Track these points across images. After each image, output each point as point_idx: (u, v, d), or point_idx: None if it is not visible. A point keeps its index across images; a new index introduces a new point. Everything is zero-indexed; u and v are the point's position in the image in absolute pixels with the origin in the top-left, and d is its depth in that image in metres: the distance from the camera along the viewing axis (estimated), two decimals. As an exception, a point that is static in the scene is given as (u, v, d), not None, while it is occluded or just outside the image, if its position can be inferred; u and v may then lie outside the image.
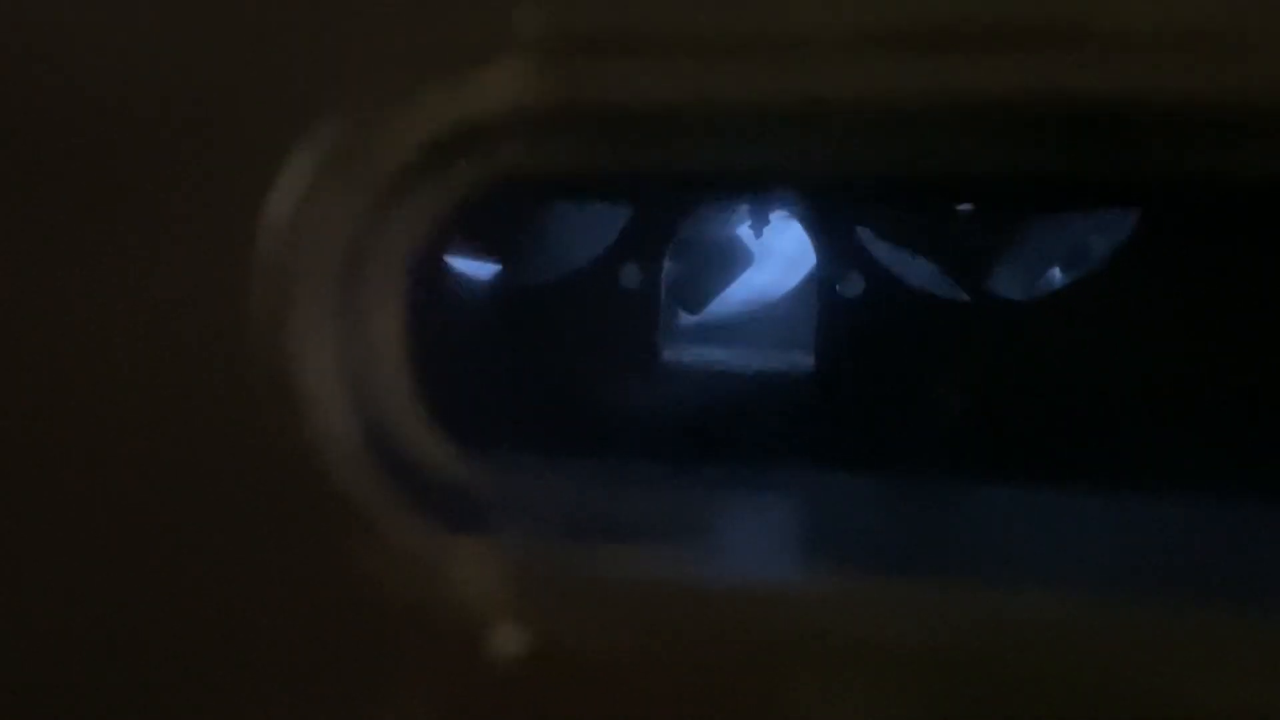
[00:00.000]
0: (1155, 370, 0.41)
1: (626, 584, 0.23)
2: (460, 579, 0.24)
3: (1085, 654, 0.21)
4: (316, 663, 0.25)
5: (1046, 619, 0.22)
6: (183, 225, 0.24)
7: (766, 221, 0.60)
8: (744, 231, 0.62)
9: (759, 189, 0.41)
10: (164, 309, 0.24)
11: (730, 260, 0.60)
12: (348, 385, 0.24)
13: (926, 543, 0.28)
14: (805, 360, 0.47)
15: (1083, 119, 0.21)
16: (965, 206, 0.45)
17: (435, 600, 0.24)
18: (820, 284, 0.48)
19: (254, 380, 0.24)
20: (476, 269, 0.49)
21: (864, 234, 0.47)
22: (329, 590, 0.24)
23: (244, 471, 0.24)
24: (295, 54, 0.24)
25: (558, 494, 0.27)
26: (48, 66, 0.24)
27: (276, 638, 0.25)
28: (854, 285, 0.48)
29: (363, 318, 0.24)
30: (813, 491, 0.30)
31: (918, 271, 0.48)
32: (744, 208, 0.55)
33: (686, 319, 0.56)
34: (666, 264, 0.48)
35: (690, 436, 0.40)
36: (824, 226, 0.47)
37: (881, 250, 0.47)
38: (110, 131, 0.24)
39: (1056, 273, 0.47)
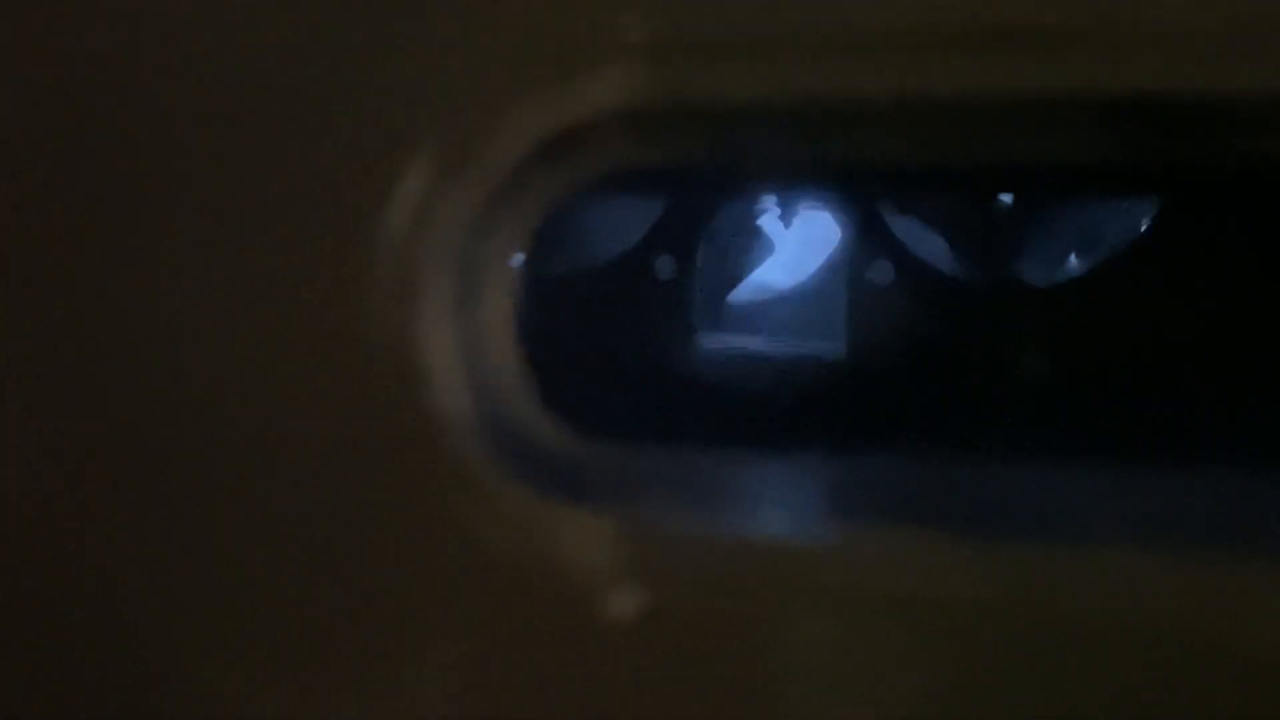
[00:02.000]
0: (1184, 351, 0.43)
1: (728, 547, 0.25)
2: (568, 546, 0.26)
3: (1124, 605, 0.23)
4: (433, 624, 0.26)
5: (1086, 572, 0.24)
6: (314, 226, 0.26)
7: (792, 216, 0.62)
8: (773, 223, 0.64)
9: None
10: (298, 303, 0.26)
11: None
12: (464, 367, 0.26)
13: (976, 511, 0.30)
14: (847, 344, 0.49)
15: (1133, 111, 0.23)
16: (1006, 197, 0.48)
17: (545, 566, 0.26)
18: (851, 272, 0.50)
19: (379, 365, 0.26)
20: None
21: (898, 224, 0.49)
22: (445, 556, 0.26)
23: (369, 444, 0.26)
24: (409, 64, 0.25)
25: (663, 466, 0.28)
26: (190, 81, 0.26)
27: (396, 601, 0.26)
28: (885, 273, 0.50)
29: (478, 305, 0.26)
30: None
31: (949, 259, 0.50)
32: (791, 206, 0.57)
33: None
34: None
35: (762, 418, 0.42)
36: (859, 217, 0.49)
37: (914, 239, 0.49)
38: (248, 145, 0.26)
39: (1082, 258, 0.49)
